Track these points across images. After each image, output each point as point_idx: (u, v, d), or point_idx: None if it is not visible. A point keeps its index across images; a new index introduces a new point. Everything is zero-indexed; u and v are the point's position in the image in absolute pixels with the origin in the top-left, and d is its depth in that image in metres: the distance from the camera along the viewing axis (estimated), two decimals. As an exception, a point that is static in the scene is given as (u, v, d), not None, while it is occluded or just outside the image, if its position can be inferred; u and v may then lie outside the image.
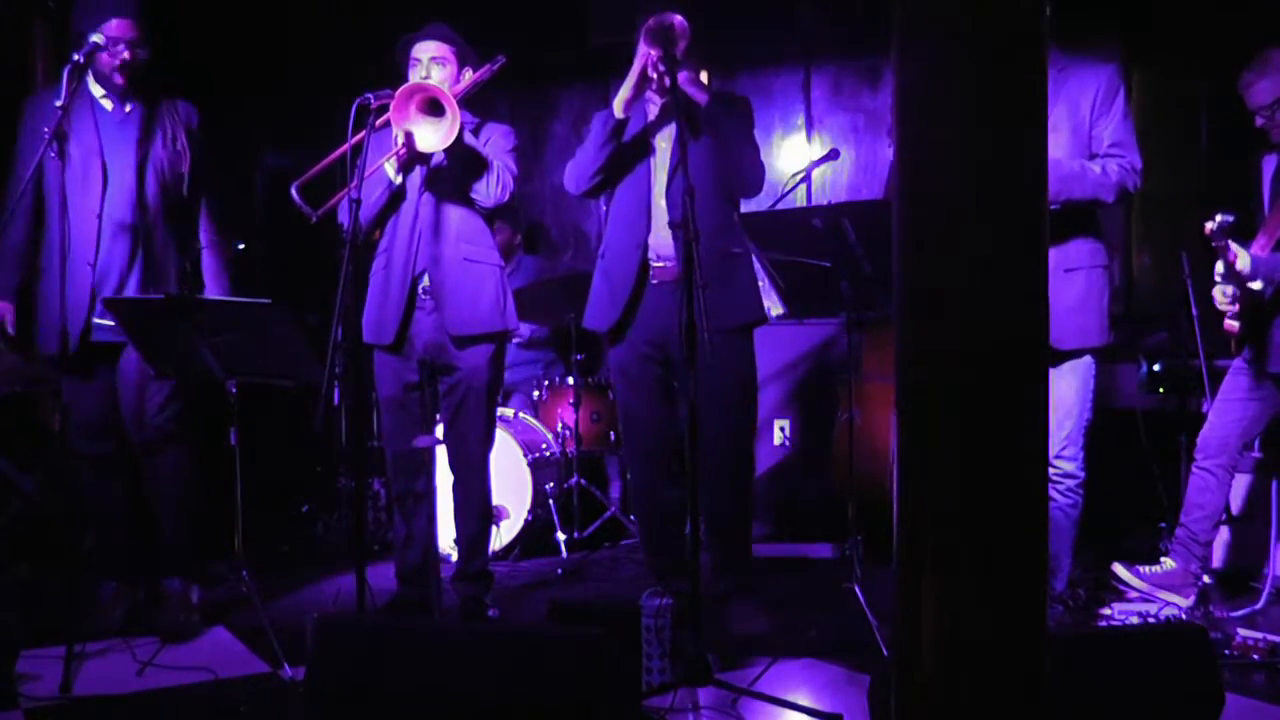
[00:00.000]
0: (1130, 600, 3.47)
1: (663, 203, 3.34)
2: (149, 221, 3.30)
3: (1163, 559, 3.50)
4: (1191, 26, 4.99)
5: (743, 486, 3.48)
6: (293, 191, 3.11)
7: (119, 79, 3.23)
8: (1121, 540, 4.17)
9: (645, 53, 3.15)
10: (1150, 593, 3.44)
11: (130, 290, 3.27)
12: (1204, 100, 5.04)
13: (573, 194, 3.53)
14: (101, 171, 3.25)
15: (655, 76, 3.18)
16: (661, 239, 3.35)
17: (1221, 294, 3.42)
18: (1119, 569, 3.50)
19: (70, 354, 3.20)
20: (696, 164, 3.28)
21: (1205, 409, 3.74)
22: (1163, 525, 4.03)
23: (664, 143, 3.37)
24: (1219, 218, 3.21)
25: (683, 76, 3.24)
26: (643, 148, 3.40)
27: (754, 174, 3.36)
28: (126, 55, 3.21)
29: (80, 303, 3.21)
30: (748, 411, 3.48)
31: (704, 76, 3.44)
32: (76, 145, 3.21)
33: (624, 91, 3.24)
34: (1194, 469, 3.50)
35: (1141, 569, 3.48)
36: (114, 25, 3.18)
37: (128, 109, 3.33)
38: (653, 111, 3.40)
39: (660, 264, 3.37)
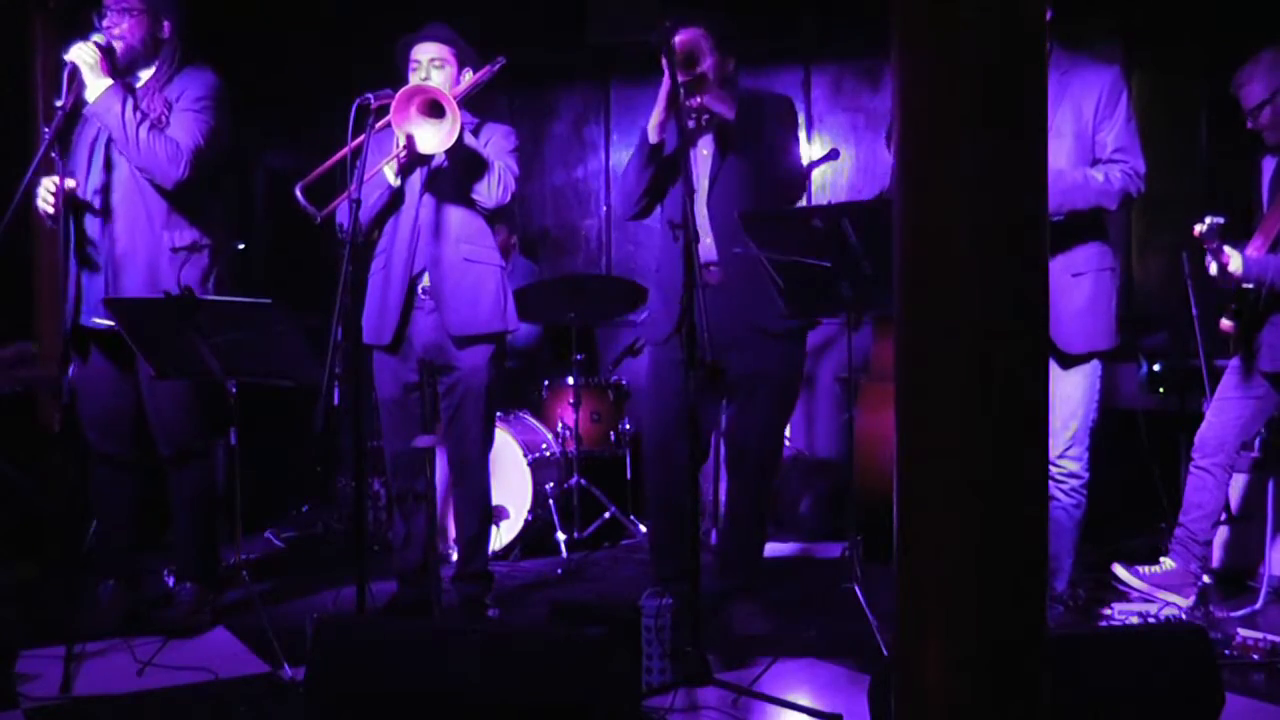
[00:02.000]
0: (1130, 600, 3.47)
1: (705, 211, 3.34)
2: (118, 196, 3.25)
3: (1162, 559, 3.50)
4: (1191, 26, 4.99)
5: (763, 489, 3.49)
6: (297, 193, 3.11)
7: (107, 55, 3.18)
8: (1121, 540, 4.17)
9: (666, 79, 3.15)
10: (1150, 593, 3.44)
11: (96, 273, 3.24)
12: (1204, 100, 5.04)
13: (624, 219, 3.57)
14: (89, 155, 3.25)
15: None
16: (707, 246, 3.34)
17: (1227, 320, 3.44)
18: (1119, 570, 3.49)
19: (69, 339, 3.20)
20: (733, 173, 3.30)
21: (1205, 409, 3.74)
22: (1163, 525, 4.03)
23: (704, 151, 3.38)
24: (1208, 220, 3.23)
25: (709, 96, 3.25)
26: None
27: (791, 178, 3.41)
28: (110, 22, 3.20)
29: (65, 289, 3.21)
30: (780, 416, 3.49)
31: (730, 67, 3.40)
32: (80, 134, 3.22)
33: (655, 116, 3.25)
34: (1191, 468, 3.51)
35: (1141, 569, 3.48)
36: None
37: (138, 86, 3.30)
38: (690, 127, 3.40)
39: (708, 269, 3.37)
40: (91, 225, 3.25)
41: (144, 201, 3.25)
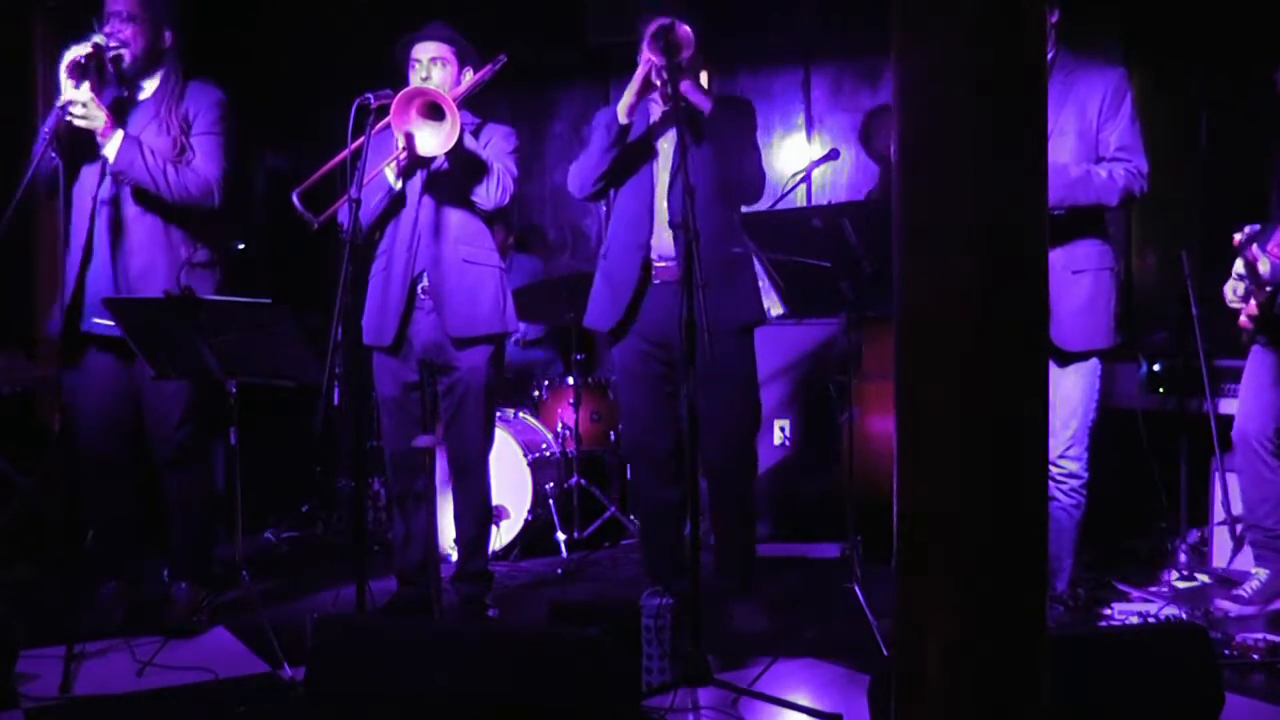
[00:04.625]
0: (1131, 600, 3.47)
1: (664, 204, 3.35)
2: (132, 211, 3.25)
3: (1253, 570, 3.40)
4: (1191, 26, 4.99)
5: (745, 486, 3.49)
6: (294, 199, 3.10)
7: (113, 63, 3.21)
8: (1121, 541, 4.17)
9: (649, 59, 3.15)
10: (1259, 612, 3.28)
11: (109, 282, 3.23)
12: (1204, 100, 5.04)
13: (577, 197, 3.54)
14: (101, 159, 3.23)
15: (659, 84, 3.19)
16: (664, 240, 3.36)
17: (1232, 291, 3.40)
18: (1224, 604, 3.33)
19: (64, 340, 3.20)
20: (698, 168, 3.29)
21: (1205, 409, 3.73)
22: (1163, 525, 4.03)
23: (666, 145, 3.38)
24: (1247, 229, 3.24)
25: (686, 83, 3.26)
26: (646, 150, 3.40)
27: (755, 179, 3.38)
28: (112, 29, 3.19)
29: (64, 292, 3.20)
30: (750, 410, 3.48)
31: (704, 78, 3.44)
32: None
33: (627, 97, 3.25)
34: (1239, 466, 3.41)
35: (1240, 593, 3.35)
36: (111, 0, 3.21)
37: (141, 97, 3.31)
38: (655, 114, 3.40)
39: (662, 264, 3.38)
40: (101, 234, 3.25)
41: (162, 216, 3.27)
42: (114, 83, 3.29)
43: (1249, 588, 3.36)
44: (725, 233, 3.30)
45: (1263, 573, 3.36)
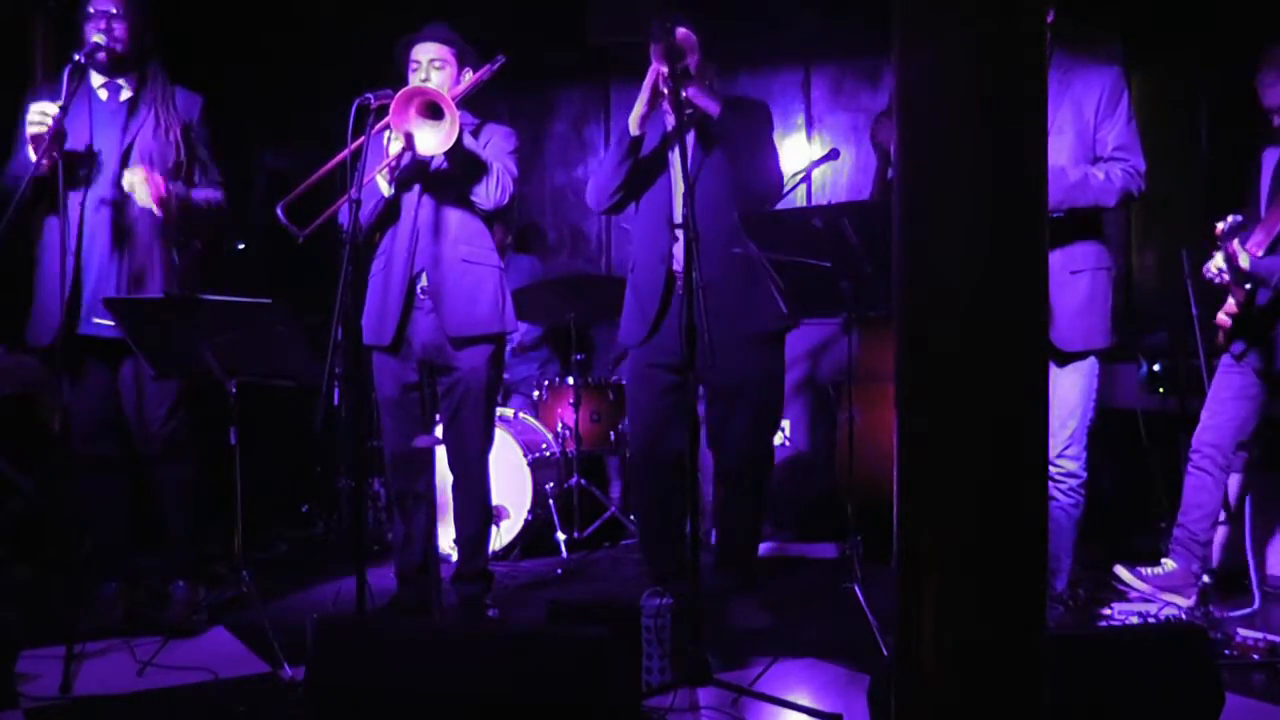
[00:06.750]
0: (1130, 600, 3.48)
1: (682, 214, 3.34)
2: (132, 213, 3.26)
3: (1163, 560, 3.51)
4: (1191, 26, 5.00)
5: (757, 493, 3.49)
6: (279, 213, 3.09)
7: (101, 56, 3.22)
8: (1121, 540, 4.17)
9: (655, 69, 3.16)
10: (1152, 594, 3.44)
11: (109, 283, 3.24)
12: (1204, 100, 5.04)
13: (596, 211, 3.55)
14: (96, 164, 3.23)
15: (666, 92, 3.18)
16: (684, 249, 3.35)
17: (1215, 267, 3.43)
18: (1121, 571, 3.50)
19: (57, 348, 3.18)
20: (713, 173, 3.30)
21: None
22: (1163, 525, 4.03)
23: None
24: (1230, 219, 3.26)
25: (693, 88, 3.25)
26: (661, 161, 3.40)
27: (769, 181, 3.37)
28: (102, 26, 3.21)
29: (64, 294, 3.19)
30: (768, 419, 3.49)
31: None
32: (71, 137, 3.21)
33: (637, 108, 3.25)
34: (1189, 469, 3.52)
35: (1143, 570, 3.49)
36: None
37: (123, 97, 3.32)
38: (670, 124, 3.40)
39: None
40: (100, 235, 3.24)
41: (162, 218, 3.28)
42: (103, 73, 3.31)
43: (1154, 571, 3.49)
44: (739, 237, 3.29)
45: (1171, 564, 3.51)
